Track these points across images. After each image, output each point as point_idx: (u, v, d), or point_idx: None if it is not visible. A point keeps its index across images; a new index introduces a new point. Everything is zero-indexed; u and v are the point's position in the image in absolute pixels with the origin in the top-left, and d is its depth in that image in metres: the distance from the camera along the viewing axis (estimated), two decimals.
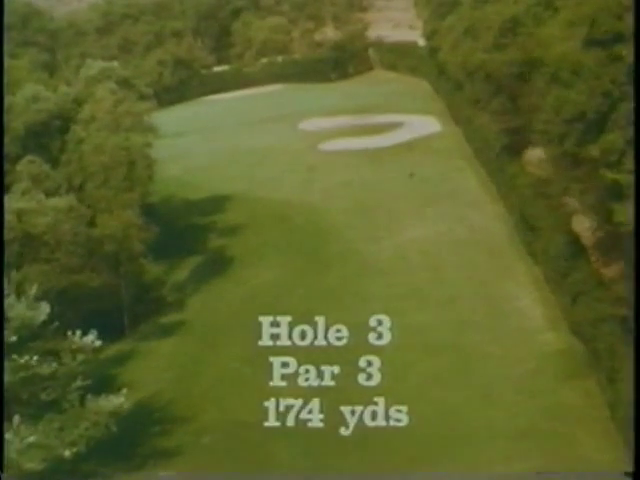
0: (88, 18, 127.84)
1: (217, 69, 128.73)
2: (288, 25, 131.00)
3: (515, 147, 61.22)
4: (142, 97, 66.12)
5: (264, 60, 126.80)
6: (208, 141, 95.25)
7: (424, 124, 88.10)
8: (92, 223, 55.74)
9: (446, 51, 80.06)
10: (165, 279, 63.85)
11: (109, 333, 54.14)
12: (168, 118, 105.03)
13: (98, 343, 34.99)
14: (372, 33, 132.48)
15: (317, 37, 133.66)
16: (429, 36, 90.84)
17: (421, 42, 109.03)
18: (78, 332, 35.48)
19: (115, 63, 65.84)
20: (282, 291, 57.34)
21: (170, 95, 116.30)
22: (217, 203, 74.89)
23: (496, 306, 49.91)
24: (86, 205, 56.25)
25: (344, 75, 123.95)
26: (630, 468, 27.52)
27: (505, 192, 60.98)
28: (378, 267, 58.17)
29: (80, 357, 35.75)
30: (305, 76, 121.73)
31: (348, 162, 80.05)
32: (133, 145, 56.81)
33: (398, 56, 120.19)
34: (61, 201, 48.41)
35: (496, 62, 54.41)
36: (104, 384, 46.65)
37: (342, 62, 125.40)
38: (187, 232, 70.29)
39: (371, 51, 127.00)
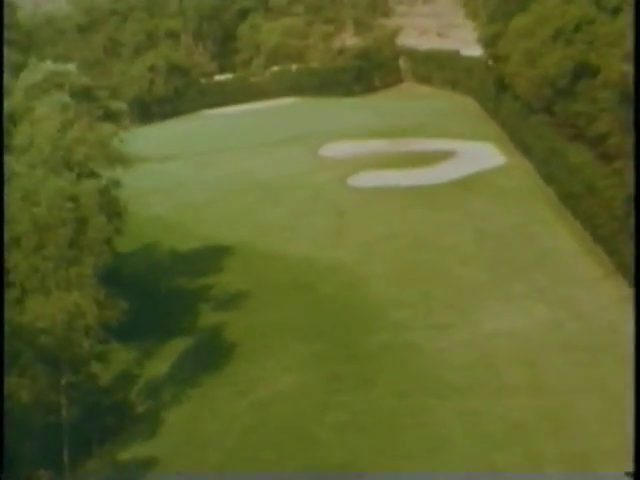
0: (68, 14, 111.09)
1: (219, 78, 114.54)
2: (303, 28, 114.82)
3: None
4: (109, 115, 46.93)
5: (275, 68, 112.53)
6: (205, 168, 78.44)
7: (482, 154, 71.03)
8: (20, 308, 37.89)
9: (519, 61, 61.44)
10: (135, 374, 46.62)
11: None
12: (157, 136, 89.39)
13: None
14: (397, 40, 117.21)
15: (336, 43, 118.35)
16: (489, 42, 72.06)
17: (466, 51, 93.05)
18: None
19: (71, 66, 46.58)
20: (304, 415, 39.33)
21: (162, 107, 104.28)
22: (213, 258, 58.06)
23: None
24: (16, 281, 38.45)
25: (370, 88, 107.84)
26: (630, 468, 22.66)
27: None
28: (449, 380, 39.34)
29: None
30: (324, 88, 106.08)
31: (389, 204, 61.37)
32: (85, 192, 37.61)
33: (434, 67, 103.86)
34: None
35: None
36: None
37: (367, 72, 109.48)
38: (170, 301, 53.17)
39: (401, 61, 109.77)
